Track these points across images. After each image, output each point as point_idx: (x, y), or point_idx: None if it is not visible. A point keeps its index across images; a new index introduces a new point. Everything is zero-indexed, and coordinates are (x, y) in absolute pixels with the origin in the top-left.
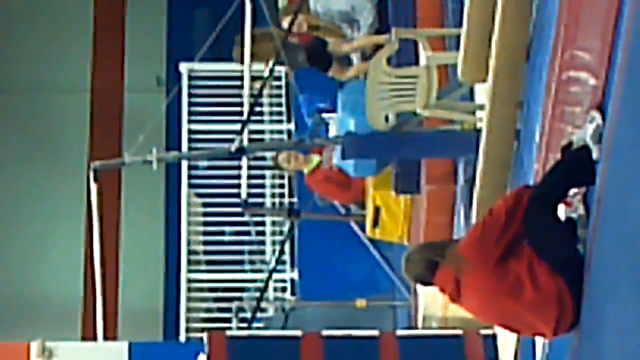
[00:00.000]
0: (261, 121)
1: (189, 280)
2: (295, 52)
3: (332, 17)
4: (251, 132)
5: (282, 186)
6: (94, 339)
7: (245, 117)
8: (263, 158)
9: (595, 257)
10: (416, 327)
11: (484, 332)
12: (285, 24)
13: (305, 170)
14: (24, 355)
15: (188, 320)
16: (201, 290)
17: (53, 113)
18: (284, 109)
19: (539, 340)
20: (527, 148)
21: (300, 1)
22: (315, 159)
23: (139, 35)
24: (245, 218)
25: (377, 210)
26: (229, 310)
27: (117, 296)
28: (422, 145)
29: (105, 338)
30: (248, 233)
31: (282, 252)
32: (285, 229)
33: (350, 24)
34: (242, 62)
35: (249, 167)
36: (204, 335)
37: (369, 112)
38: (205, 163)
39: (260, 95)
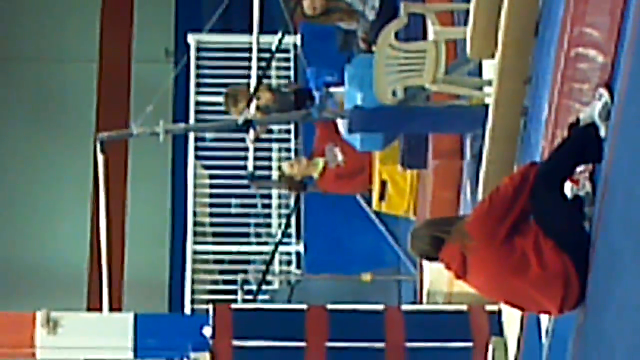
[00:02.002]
0: None
1: (195, 252)
2: (286, 99)
3: None
4: None
5: (289, 159)
6: (100, 309)
7: (253, 89)
8: (270, 131)
9: (602, 234)
10: (421, 302)
11: (489, 308)
12: (308, 8)
13: (315, 175)
14: (30, 325)
15: (193, 292)
16: (207, 262)
17: (61, 83)
18: (292, 86)
19: (544, 317)
20: (534, 124)
21: None
22: (320, 161)
23: (147, 5)
24: (252, 190)
25: (383, 184)
26: (234, 282)
27: (122, 267)
28: (429, 120)
29: (111, 309)
30: (254, 205)
31: (288, 224)
32: (291, 201)
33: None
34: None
35: (256, 140)
36: (209, 307)
37: (377, 87)
38: (212, 135)
39: (268, 67)
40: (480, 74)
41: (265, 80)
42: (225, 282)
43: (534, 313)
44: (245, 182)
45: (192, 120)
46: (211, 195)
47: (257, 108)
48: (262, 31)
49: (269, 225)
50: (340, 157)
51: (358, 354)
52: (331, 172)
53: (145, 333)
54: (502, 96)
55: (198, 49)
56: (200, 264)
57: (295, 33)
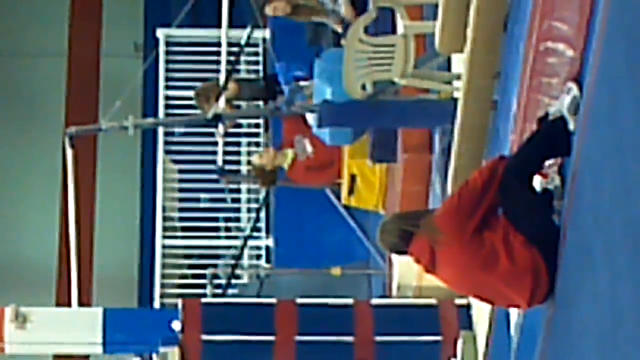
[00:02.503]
0: None
1: (164, 247)
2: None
3: None
4: None
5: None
6: (69, 304)
7: (222, 84)
8: (239, 125)
9: (571, 228)
10: (391, 296)
11: (458, 302)
12: (269, 11)
13: (285, 166)
14: None
15: (163, 286)
16: (176, 256)
17: (30, 77)
18: (261, 76)
19: (514, 311)
20: (503, 118)
21: None
22: (289, 152)
23: (116, 0)
24: (221, 185)
25: (353, 179)
26: (203, 276)
27: (91, 262)
28: (399, 114)
29: (80, 304)
30: (224, 200)
31: (257, 219)
32: (261, 196)
33: None
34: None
35: (225, 134)
36: (179, 301)
37: (346, 81)
38: (181, 129)
39: (237, 62)
40: (449, 68)
41: (235, 75)
42: (195, 276)
43: (503, 307)
44: (214, 176)
45: (161, 115)
46: (180, 190)
47: (228, 101)
48: (231, 25)
49: (238, 219)
50: (309, 149)
51: (327, 347)
52: (301, 164)
53: (115, 328)
54: (471, 90)
55: (167, 44)
56: (169, 259)
57: (265, 27)
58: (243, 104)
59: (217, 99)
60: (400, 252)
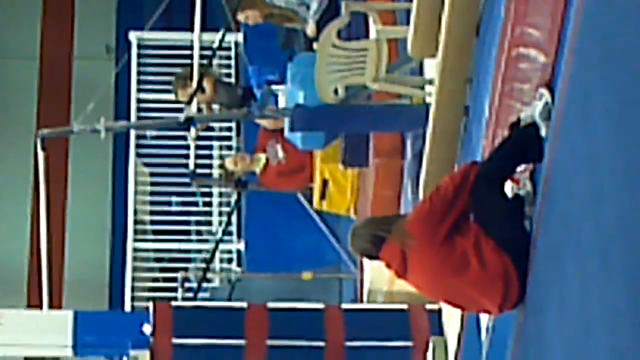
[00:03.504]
0: None
1: (135, 250)
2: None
3: (289, 2)
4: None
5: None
6: (40, 307)
7: (194, 87)
8: (211, 128)
9: (542, 234)
10: (362, 301)
11: (429, 307)
12: (241, 18)
13: (257, 170)
14: None
15: (134, 289)
16: (147, 260)
17: (1, 80)
18: (233, 79)
19: (484, 317)
20: (475, 124)
21: None
22: (262, 157)
23: (88, 2)
24: (193, 188)
25: (324, 183)
26: (174, 280)
27: (62, 265)
28: (371, 118)
29: (51, 307)
30: (195, 203)
31: (228, 223)
32: (233, 199)
33: (305, 5)
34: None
35: (197, 138)
36: (150, 305)
37: (318, 85)
38: (153, 133)
39: (210, 65)
40: (421, 73)
41: (212, 75)
42: (166, 279)
43: (473, 312)
44: (186, 180)
45: (133, 118)
46: (152, 193)
47: (207, 103)
48: (203, 29)
49: (209, 223)
50: (281, 154)
51: (298, 352)
52: (272, 169)
53: (85, 330)
54: (443, 96)
55: (139, 46)
56: (140, 262)
57: (238, 31)
58: (216, 107)
59: (189, 101)
60: (372, 257)
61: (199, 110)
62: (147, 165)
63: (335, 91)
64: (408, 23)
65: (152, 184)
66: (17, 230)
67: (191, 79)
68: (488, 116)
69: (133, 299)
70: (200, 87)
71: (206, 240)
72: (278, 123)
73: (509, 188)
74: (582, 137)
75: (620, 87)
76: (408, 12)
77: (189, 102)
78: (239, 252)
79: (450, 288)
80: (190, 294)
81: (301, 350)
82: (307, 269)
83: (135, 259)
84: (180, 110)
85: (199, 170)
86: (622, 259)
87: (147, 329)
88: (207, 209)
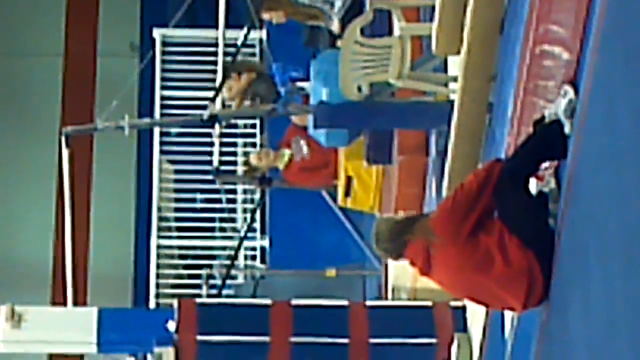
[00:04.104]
0: None
1: (159, 247)
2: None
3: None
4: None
5: None
6: (64, 304)
7: (218, 84)
8: (235, 125)
9: (566, 231)
10: (385, 298)
11: (453, 304)
12: (266, 17)
13: (280, 166)
14: None
15: (158, 286)
16: (171, 257)
17: (26, 77)
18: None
19: (508, 314)
20: (499, 121)
21: None
22: (286, 152)
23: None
24: (217, 185)
25: (349, 180)
26: (198, 277)
27: (87, 262)
28: (395, 115)
29: (75, 304)
30: (219, 200)
31: (252, 219)
32: (257, 196)
33: (329, 2)
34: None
35: (221, 135)
36: (174, 302)
37: (342, 82)
38: (177, 130)
39: (233, 62)
40: (445, 70)
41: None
42: (190, 276)
43: (497, 309)
44: (210, 177)
45: (157, 115)
46: (176, 190)
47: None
48: (227, 26)
49: (233, 220)
50: (305, 150)
51: (322, 349)
52: (296, 164)
53: (109, 327)
54: (467, 93)
55: (163, 44)
56: (164, 259)
57: (261, 28)
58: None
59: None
60: (395, 258)
61: (224, 106)
62: (171, 162)
63: (359, 88)
64: (432, 20)
65: (176, 180)
66: (41, 227)
67: (236, 71)
68: (512, 113)
69: (157, 296)
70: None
71: (230, 237)
72: (306, 119)
73: (533, 185)
74: (606, 134)
75: None
76: (432, 9)
77: (233, 98)
78: (263, 249)
79: (474, 285)
80: (215, 291)
81: (325, 347)
82: (331, 266)
83: (159, 255)
84: (204, 107)
85: (223, 167)
86: None
87: (172, 325)
88: (231, 205)
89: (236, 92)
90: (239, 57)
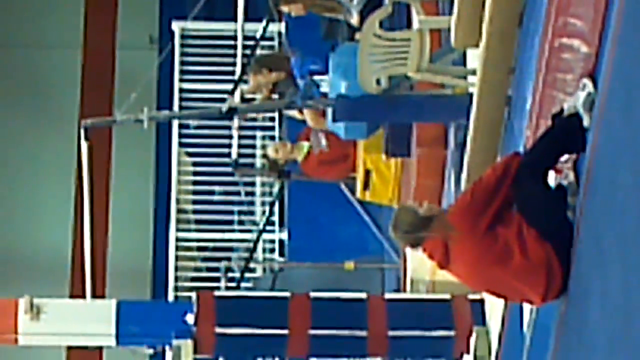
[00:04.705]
0: None
1: (178, 240)
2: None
3: None
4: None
5: None
6: (83, 296)
7: (237, 77)
8: (254, 118)
9: (584, 224)
10: (404, 291)
11: (471, 297)
12: (285, 9)
13: (299, 159)
14: (12, 311)
15: (176, 279)
16: (190, 249)
17: (45, 69)
18: None
19: (527, 307)
20: (518, 114)
21: None
22: (305, 145)
23: None
24: (235, 178)
25: (367, 173)
26: (217, 270)
27: (105, 254)
28: (414, 109)
29: (94, 296)
30: (238, 193)
31: (271, 212)
32: (275, 189)
33: None
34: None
35: (240, 127)
36: (192, 294)
37: (361, 75)
38: (196, 122)
39: (252, 55)
40: (464, 64)
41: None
42: (209, 269)
43: (516, 302)
44: (229, 169)
45: (176, 108)
46: (195, 183)
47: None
48: (246, 19)
49: (252, 212)
50: (324, 142)
51: (340, 342)
52: (314, 157)
53: (128, 320)
54: (486, 86)
55: (182, 37)
56: (183, 252)
57: (280, 21)
58: (258, 97)
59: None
60: (413, 248)
61: (244, 100)
62: (189, 154)
63: (378, 81)
64: (451, 13)
65: (195, 173)
66: (60, 220)
67: (268, 66)
68: (531, 106)
69: (176, 288)
70: (242, 77)
71: (249, 230)
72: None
73: (551, 178)
74: (625, 127)
75: None
76: (451, 2)
77: (254, 92)
78: (281, 241)
79: (493, 278)
80: (233, 284)
81: (344, 340)
82: (350, 258)
83: (177, 248)
84: (222, 100)
85: (241, 160)
86: None
87: (190, 318)
88: (249, 198)
89: (263, 86)
90: (274, 52)
